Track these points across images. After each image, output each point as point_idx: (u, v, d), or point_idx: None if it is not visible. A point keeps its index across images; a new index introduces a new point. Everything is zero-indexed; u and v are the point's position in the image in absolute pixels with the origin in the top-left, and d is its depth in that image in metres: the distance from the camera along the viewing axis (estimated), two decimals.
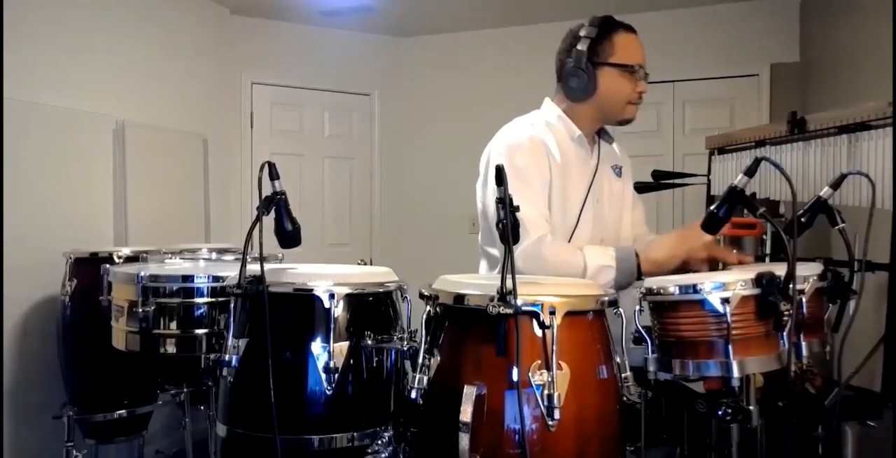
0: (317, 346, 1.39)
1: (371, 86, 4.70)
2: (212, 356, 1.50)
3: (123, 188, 3.26)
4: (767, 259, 2.61)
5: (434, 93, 4.72)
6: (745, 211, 1.36)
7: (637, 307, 1.28)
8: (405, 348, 1.39)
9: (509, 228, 1.13)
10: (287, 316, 1.42)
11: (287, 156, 4.30)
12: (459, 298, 1.20)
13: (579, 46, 1.71)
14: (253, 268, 1.39)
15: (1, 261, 2.59)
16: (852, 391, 1.64)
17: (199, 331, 1.85)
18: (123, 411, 2.50)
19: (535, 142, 1.72)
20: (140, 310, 1.84)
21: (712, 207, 1.35)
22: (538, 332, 1.12)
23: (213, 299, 1.85)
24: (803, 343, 1.32)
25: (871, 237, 1.37)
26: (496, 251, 1.77)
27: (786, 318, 1.21)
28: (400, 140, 4.78)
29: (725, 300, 1.21)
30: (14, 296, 2.67)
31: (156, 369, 2.36)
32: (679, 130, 4.18)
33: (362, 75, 4.67)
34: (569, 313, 1.14)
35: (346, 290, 1.43)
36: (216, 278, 1.85)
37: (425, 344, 1.24)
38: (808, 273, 1.35)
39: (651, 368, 1.29)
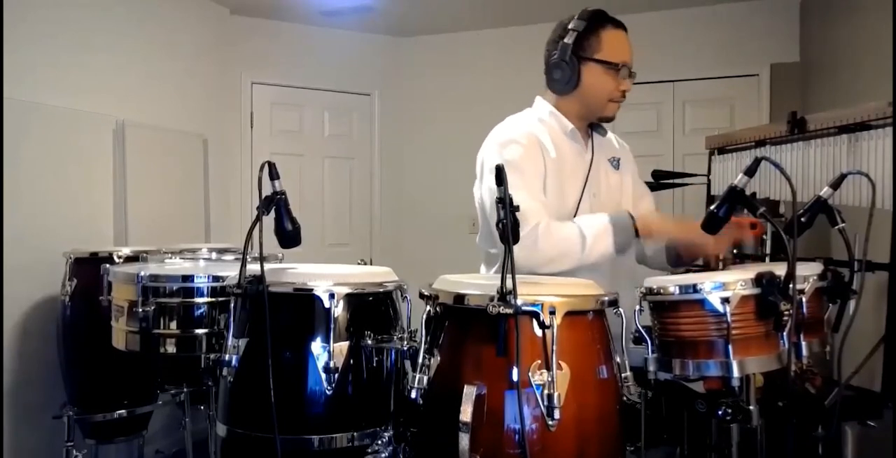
0: (317, 346, 1.39)
1: (371, 86, 4.70)
2: (212, 356, 1.50)
3: (123, 188, 3.26)
4: (767, 259, 2.61)
5: (434, 93, 4.71)
6: (745, 211, 1.36)
7: (637, 307, 1.28)
8: (405, 348, 1.39)
9: (509, 228, 1.13)
10: (287, 316, 1.42)
11: (287, 156, 4.29)
12: (459, 298, 1.20)
13: (566, 39, 1.71)
14: (253, 268, 1.39)
15: (1, 261, 2.59)
16: (852, 391, 1.64)
17: (199, 331, 1.85)
18: (123, 411, 2.50)
19: (528, 137, 1.72)
20: (140, 310, 1.84)
21: (712, 207, 1.35)
22: (538, 332, 1.12)
23: (213, 299, 1.85)
24: (803, 343, 1.32)
25: (871, 237, 1.37)
26: (495, 251, 1.77)
27: (786, 318, 1.21)
28: (400, 140, 4.78)
29: (725, 300, 1.21)
30: (14, 296, 2.67)
31: (156, 369, 2.35)
32: (679, 130, 4.18)
33: (362, 75, 4.67)
34: (569, 313, 1.14)
35: (346, 290, 1.43)
36: (216, 278, 1.85)
37: (425, 344, 1.24)
38: (808, 273, 1.35)
39: (651, 368, 1.29)
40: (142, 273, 1.85)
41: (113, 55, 3.28)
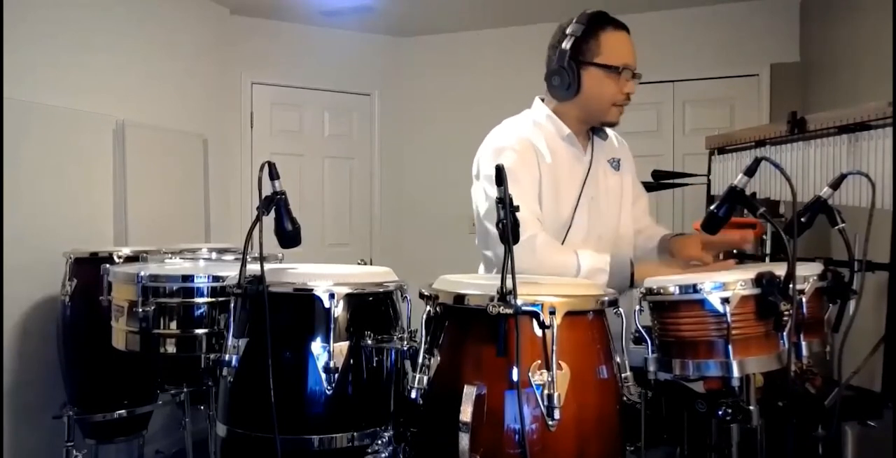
0: (317, 346, 1.39)
1: (371, 86, 4.70)
2: (212, 356, 1.51)
3: (123, 188, 3.26)
4: (767, 259, 2.61)
5: (434, 93, 4.72)
6: (745, 211, 1.36)
7: (637, 307, 1.28)
8: (405, 348, 1.39)
9: (509, 228, 1.13)
10: (287, 316, 1.42)
11: (287, 156, 4.30)
12: (459, 298, 1.20)
13: (564, 45, 1.67)
14: (253, 268, 1.39)
15: (1, 261, 2.59)
16: (852, 391, 1.64)
17: (199, 331, 1.85)
18: (123, 411, 2.50)
19: (523, 143, 1.70)
20: (140, 310, 1.84)
21: (712, 207, 1.35)
22: (538, 332, 1.12)
23: (213, 299, 1.85)
24: (803, 343, 1.32)
25: (871, 237, 1.37)
26: (490, 253, 1.77)
27: (786, 318, 1.21)
28: (400, 140, 4.78)
29: (725, 300, 1.21)
30: (14, 296, 2.67)
31: (156, 369, 2.35)
32: (679, 130, 4.18)
33: (362, 75, 4.67)
34: (569, 313, 1.14)
35: (346, 290, 1.43)
36: (216, 278, 1.85)
37: (425, 344, 1.24)
38: (808, 273, 1.35)
39: (651, 368, 1.29)
40: (142, 273, 1.85)
41: (113, 55, 3.28)
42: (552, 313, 1.11)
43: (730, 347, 1.21)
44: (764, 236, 2.60)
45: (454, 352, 1.20)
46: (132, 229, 3.27)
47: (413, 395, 1.20)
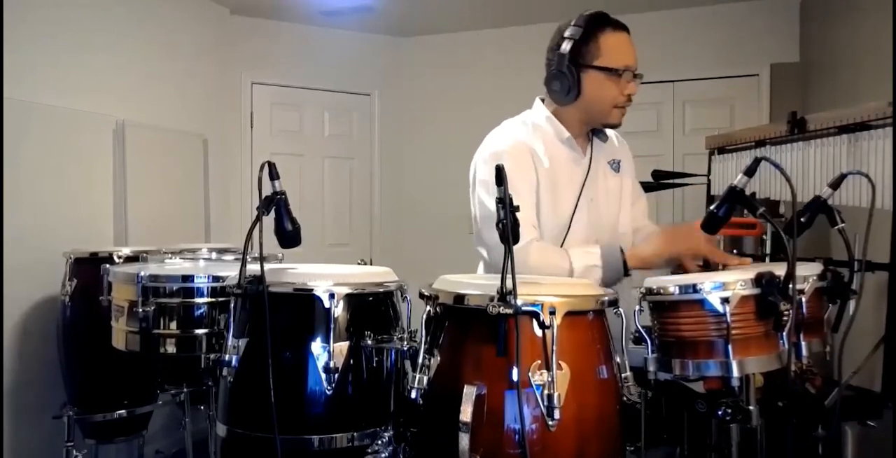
0: (317, 346, 1.39)
1: (371, 86, 4.70)
2: (212, 356, 1.50)
3: (123, 188, 3.26)
4: (767, 259, 2.61)
5: (434, 93, 4.72)
6: (745, 211, 1.36)
7: (637, 307, 1.28)
8: (405, 348, 1.39)
9: (509, 228, 1.13)
10: (287, 316, 1.42)
11: (287, 156, 4.30)
12: (459, 298, 1.20)
13: (562, 48, 1.65)
14: (253, 268, 1.38)
15: (1, 261, 2.59)
16: (852, 391, 1.64)
17: (199, 331, 1.85)
18: (123, 411, 2.50)
19: (519, 147, 1.69)
20: (140, 310, 1.84)
21: (712, 207, 1.35)
22: (538, 332, 1.12)
23: (213, 299, 1.85)
24: (803, 343, 1.32)
25: (871, 237, 1.37)
26: (487, 257, 1.77)
27: (785, 318, 1.21)
28: (400, 140, 4.78)
29: (725, 300, 1.21)
30: (14, 296, 2.67)
31: (156, 369, 2.35)
32: (679, 130, 4.18)
33: (362, 75, 4.67)
34: (569, 313, 1.14)
35: (346, 290, 1.42)
36: (216, 278, 1.85)
37: (425, 344, 1.24)
38: (808, 273, 1.35)
39: (651, 368, 1.29)
40: (142, 273, 1.85)
41: (113, 55, 3.28)
42: (552, 313, 1.11)
43: (730, 347, 1.21)
44: (764, 236, 2.60)
45: (454, 352, 1.20)
46: (132, 229, 3.27)
47: (413, 395, 1.20)
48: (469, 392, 1.12)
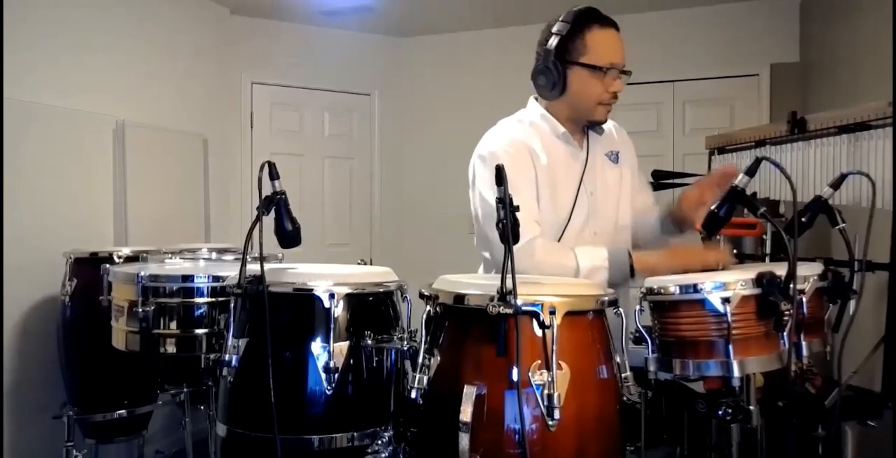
0: (317, 346, 1.39)
1: (371, 86, 4.70)
2: (212, 356, 1.50)
3: (123, 188, 3.26)
4: (768, 259, 2.61)
5: (434, 93, 4.71)
6: (746, 211, 1.36)
7: (637, 307, 1.28)
8: (405, 348, 1.39)
9: (509, 228, 1.13)
10: (287, 316, 1.42)
11: (287, 156, 4.29)
12: (459, 298, 1.20)
13: (549, 44, 1.66)
14: (253, 268, 1.38)
15: (1, 261, 2.59)
16: (852, 391, 1.64)
17: (199, 331, 1.85)
18: (123, 411, 2.50)
19: (516, 145, 1.70)
20: (140, 310, 1.84)
21: (713, 207, 1.35)
22: (538, 332, 1.12)
23: (213, 299, 1.85)
24: (803, 343, 1.32)
25: (871, 237, 1.37)
26: (489, 256, 1.77)
27: (786, 318, 1.21)
28: (400, 140, 4.78)
29: (726, 300, 1.21)
30: (14, 296, 2.67)
31: (156, 369, 2.35)
32: (679, 130, 4.18)
33: (362, 75, 4.67)
34: (569, 313, 1.14)
35: (346, 290, 1.43)
36: (216, 278, 1.85)
37: (425, 344, 1.24)
38: (809, 273, 1.35)
39: (651, 368, 1.29)
40: (142, 273, 1.85)
41: (113, 55, 3.28)
42: (552, 313, 1.11)
43: (730, 347, 1.21)
44: (764, 236, 2.60)
45: (454, 352, 1.20)
46: (132, 229, 3.26)
47: (413, 395, 1.20)
48: (469, 392, 1.12)
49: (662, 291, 1.28)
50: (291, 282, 1.43)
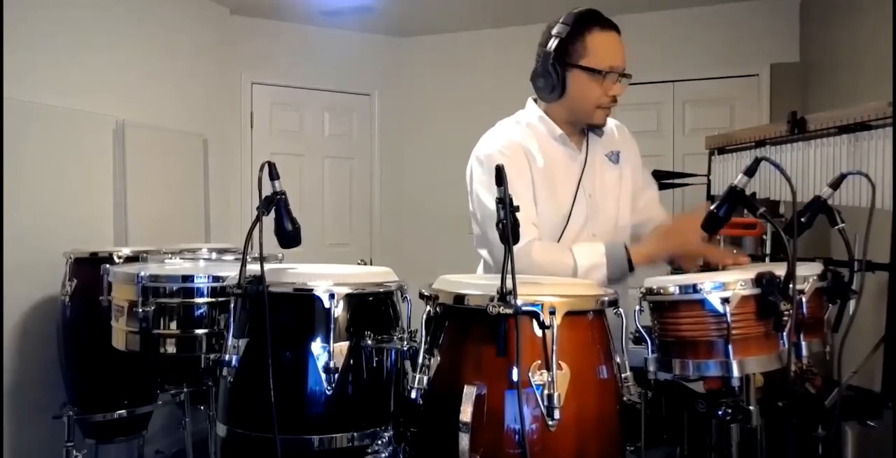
0: (317, 346, 1.39)
1: (371, 86, 4.70)
2: (212, 356, 1.50)
3: (123, 188, 3.26)
4: (767, 259, 2.61)
5: (434, 93, 4.71)
6: (745, 211, 1.36)
7: (637, 307, 1.28)
8: (405, 348, 1.39)
9: (509, 228, 1.13)
10: (287, 316, 1.42)
11: (287, 156, 4.30)
12: (459, 298, 1.20)
13: (548, 46, 1.65)
14: (253, 268, 1.38)
15: (1, 261, 2.59)
16: (852, 391, 1.64)
17: (199, 331, 1.85)
18: (123, 411, 2.50)
19: (513, 146, 1.69)
20: (140, 310, 1.84)
21: (712, 207, 1.35)
22: (538, 332, 1.12)
23: (213, 299, 1.84)
24: (803, 343, 1.32)
25: (871, 237, 1.37)
26: (488, 256, 1.76)
27: (786, 318, 1.21)
28: (400, 140, 4.78)
29: (725, 300, 1.21)
30: (14, 296, 2.67)
31: (156, 369, 2.36)
32: (679, 130, 4.18)
33: (362, 75, 4.67)
34: (569, 313, 1.14)
35: (346, 290, 1.42)
36: (216, 278, 1.85)
37: (425, 344, 1.24)
38: (808, 273, 1.35)
39: (651, 368, 1.29)
40: (142, 273, 1.85)
41: (113, 55, 3.28)
42: (552, 313, 1.11)
43: (730, 347, 1.21)
44: (764, 236, 2.60)
45: (454, 352, 1.20)
46: (132, 229, 3.27)
47: (413, 395, 1.20)
48: (469, 392, 1.12)
49: (662, 291, 1.28)
50: (291, 282, 1.43)
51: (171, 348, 1.87)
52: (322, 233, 4.51)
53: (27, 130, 2.78)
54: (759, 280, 1.21)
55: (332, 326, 1.39)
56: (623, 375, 1.23)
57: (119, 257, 2.42)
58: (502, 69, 4.45)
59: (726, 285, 1.22)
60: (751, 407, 1.32)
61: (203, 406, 2.30)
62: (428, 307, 1.25)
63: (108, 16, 3.26)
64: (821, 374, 1.65)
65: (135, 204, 3.30)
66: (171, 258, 2.34)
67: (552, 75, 1.66)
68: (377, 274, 1.56)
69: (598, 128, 1.78)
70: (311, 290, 1.41)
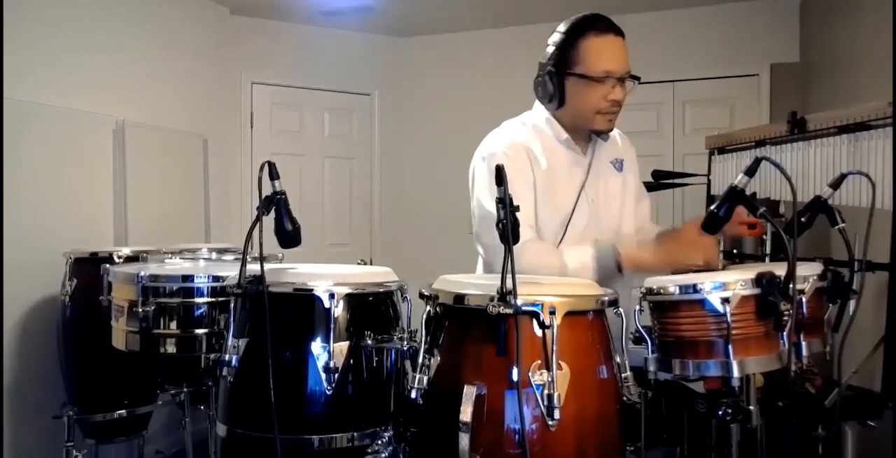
0: (317, 346, 1.39)
1: (371, 86, 4.70)
2: (212, 356, 1.50)
3: (123, 188, 3.26)
4: (767, 259, 2.61)
5: (434, 93, 4.71)
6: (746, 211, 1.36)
7: (637, 307, 1.28)
8: (405, 348, 1.39)
9: (509, 228, 1.13)
10: (287, 316, 1.43)
11: (287, 156, 4.29)
12: (459, 298, 1.20)
13: (545, 55, 1.66)
14: (253, 268, 1.39)
15: (1, 261, 2.59)
16: (852, 391, 1.64)
17: (199, 331, 1.85)
18: (123, 411, 2.50)
19: (516, 147, 1.69)
20: (140, 310, 1.84)
21: (712, 207, 1.35)
22: (538, 332, 1.12)
23: (213, 299, 1.85)
24: (803, 343, 1.32)
25: (871, 237, 1.37)
26: (485, 256, 1.76)
27: (786, 318, 1.21)
28: (400, 140, 4.78)
29: (725, 300, 1.21)
30: (14, 296, 2.67)
31: (156, 369, 2.36)
32: (679, 130, 4.18)
33: (362, 75, 4.67)
34: (569, 313, 1.14)
35: (346, 290, 1.43)
36: (216, 278, 1.85)
37: (425, 344, 1.24)
38: (808, 273, 1.35)
39: (651, 368, 1.29)
40: (142, 273, 1.85)
41: (113, 55, 3.28)
42: (552, 313, 1.11)
43: (730, 347, 1.21)
44: (764, 236, 2.60)
45: (454, 352, 1.20)
46: (132, 229, 3.26)
47: (413, 395, 1.20)
48: (469, 392, 1.12)
49: (662, 291, 1.28)
50: (291, 282, 1.43)
51: (171, 348, 1.87)
52: (322, 233, 4.51)
53: (27, 130, 2.77)
54: (759, 280, 1.21)
55: (332, 326, 1.39)
56: (623, 375, 1.23)
57: (119, 257, 2.42)
58: (502, 69, 4.46)
59: (726, 285, 1.22)
60: (751, 407, 1.32)
61: (203, 406, 2.30)
62: (428, 307, 1.25)
63: (108, 16, 3.26)
64: (821, 374, 1.65)
65: (135, 204, 3.30)
66: (171, 258, 2.34)
67: (550, 85, 1.66)
68: (377, 274, 1.56)
69: (601, 133, 1.76)
70: (311, 290, 1.41)
